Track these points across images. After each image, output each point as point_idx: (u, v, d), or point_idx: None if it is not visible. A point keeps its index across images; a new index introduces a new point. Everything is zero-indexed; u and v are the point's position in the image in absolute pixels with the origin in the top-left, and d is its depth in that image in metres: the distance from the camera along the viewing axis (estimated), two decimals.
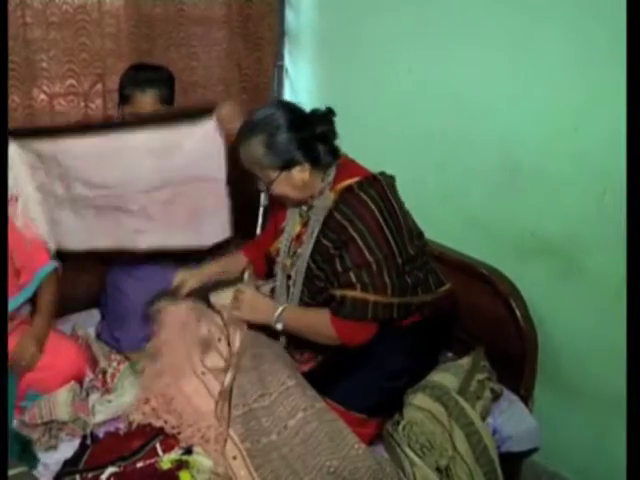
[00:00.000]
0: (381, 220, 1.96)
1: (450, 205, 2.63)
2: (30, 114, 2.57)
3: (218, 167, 2.40)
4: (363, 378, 2.04)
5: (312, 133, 2.01)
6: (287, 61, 3.34)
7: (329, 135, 2.06)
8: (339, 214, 1.98)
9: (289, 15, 3.26)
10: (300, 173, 2.01)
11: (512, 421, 2.23)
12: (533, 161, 2.31)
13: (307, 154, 2.00)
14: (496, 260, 2.42)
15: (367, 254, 1.94)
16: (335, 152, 2.09)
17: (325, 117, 2.04)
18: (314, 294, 2.11)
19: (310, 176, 2.03)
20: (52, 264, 2.34)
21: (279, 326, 2.08)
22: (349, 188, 2.00)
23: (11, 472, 1.84)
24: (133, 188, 2.35)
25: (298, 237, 2.17)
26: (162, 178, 2.36)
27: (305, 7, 3.21)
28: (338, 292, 1.99)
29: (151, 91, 2.40)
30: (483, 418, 2.12)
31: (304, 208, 2.15)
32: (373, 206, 1.96)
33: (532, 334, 2.30)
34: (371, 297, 1.96)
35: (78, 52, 2.66)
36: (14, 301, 2.26)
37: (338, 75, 3.14)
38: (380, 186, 2.01)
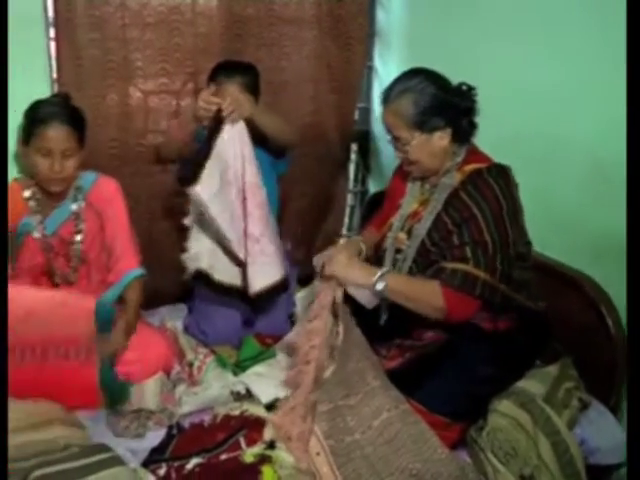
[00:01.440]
0: (504, 208, 1.99)
1: (537, 206, 2.58)
2: (126, 111, 2.65)
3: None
4: (450, 381, 2.01)
5: (458, 104, 2.06)
6: (377, 61, 3.33)
7: (472, 111, 2.10)
8: (465, 194, 2.02)
9: (380, 15, 3.25)
10: (440, 140, 2.06)
11: (601, 433, 2.16)
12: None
13: (451, 122, 2.05)
14: (583, 264, 2.36)
15: (486, 233, 1.97)
16: (473, 129, 2.13)
17: (470, 92, 2.09)
18: (423, 269, 2.11)
19: (447, 146, 2.07)
20: (140, 270, 2.39)
21: (380, 286, 2.05)
22: (479, 171, 2.05)
23: (101, 457, 1.90)
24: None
25: (415, 214, 2.19)
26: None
27: (396, 7, 3.20)
28: (450, 265, 2.00)
29: (236, 78, 2.49)
30: (570, 428, 2.06)
31: (426, 187, 2.19)
32: (499, 193, 2.00)
33: (623, 342, 2.22)
34: (482, 274, 1.97)
35: (172, 52, 2.72)
36: (104, 297, 2.33)
37: None
38: (508, 177, 2.06)
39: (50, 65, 2.54)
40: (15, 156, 2.48)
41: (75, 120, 2.26)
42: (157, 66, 2.69)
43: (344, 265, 2.11)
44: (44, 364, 2.10)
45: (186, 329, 2.59)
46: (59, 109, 2.24)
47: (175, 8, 2.68)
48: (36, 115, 2.23)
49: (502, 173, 2.05)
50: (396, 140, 2.09)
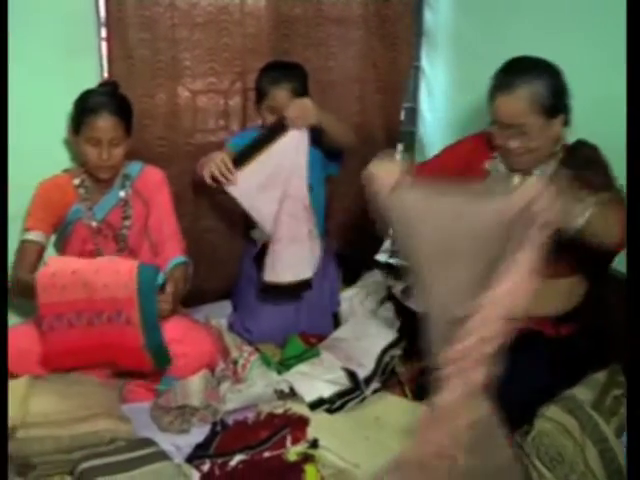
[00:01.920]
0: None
1: None
2: (174, 110, 2.67)
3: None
4: (505, 391, 1.93)
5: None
6: (424, 62, 3.30)
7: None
8: (572, 160, 2.02)
9: (427, 15, 3.23)
10: (557, 126, 2.02)
11: None
12: None
13: (567, 109, 2.03)
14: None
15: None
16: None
17: None
18: None
19: (560, 131, 2.04)
20: (184, 258, 2.43)
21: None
22: (576, 144, 2.06)
23: (146, 451, 1.93)
24: None
25: None
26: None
27: (443, 7, 3.17)
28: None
29: (285, 85, 2.48)
30: (618, 435, 2.02)
31: (515, 179, 2.12)
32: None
33: None
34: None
35: (220, 51, 2.73)
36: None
37: (476, 77, 3.06)
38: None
39: (101, 64, 2.57)
40: (67, 144, 2.53)
41: (122, 110, 2.33)
42: (205, 66, 2.71)
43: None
44: (90, 329, 2.13)
45: (230, 327, 2.62)
46: (107, 99, 2.30)
47: (224, 8, 2.69)
48: (85, 105, 2.31)
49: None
50: (513, 128, 2.01)
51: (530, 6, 2.66)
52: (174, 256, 2.42)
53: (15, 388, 2.13)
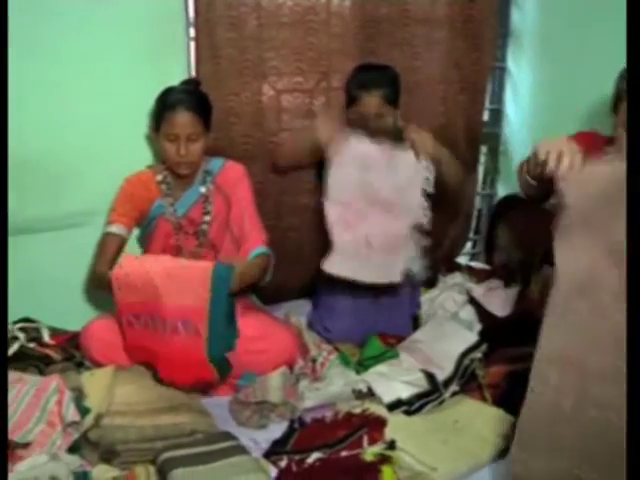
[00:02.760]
0: None
1: None
2: (259, 109, 2.70)
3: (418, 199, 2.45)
4: None
5: None
6: (510, 63, 3.25)
7: None
8: None
9: (514, 15, 3.17)
10: None
11: None
12: None
13: None
14: None
15: None
16: None
17: None
18: None
19: None
20: (265, 248, 2.44)
21: None
22: None
23: (226, 444, 1.95)
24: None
25: None
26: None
27: (530, 7, 3.11)
28: None
29: (376, 92, 2.47)
30: None
31: None
32: None
33: None
34: None
35: (305, 51, 2.74)
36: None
37: (562, 78, 3.00)
38: None
39: (189, 63, 2.63)
40: (149, 142, 2.60)
41: (200, 106, 2.37)
42: (291, 65, 2.72)
43: None
44: (161, 335, 2.15)
45: (310, 325, 2.63)
46: (185, 96, 2.35)
47: (310, 8, 2.70)
48: (164, 102, 2.36)
49: None
50: None
51: (617, 6, 2.58)
52: (255, 246, 2.43)
53: (101, 377, 2.20)
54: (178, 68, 2.57)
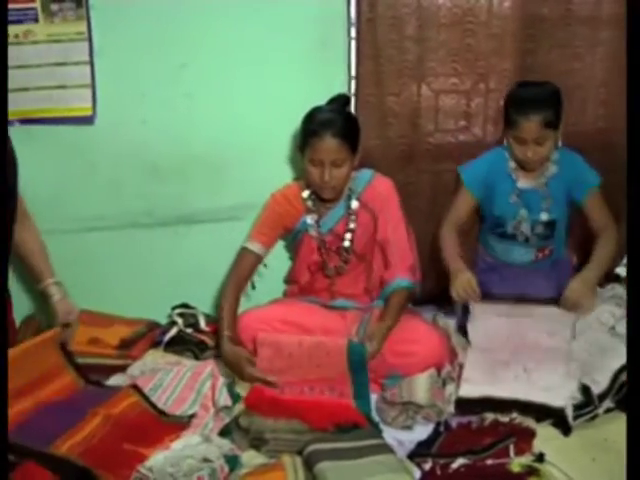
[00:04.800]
0: None
1: None
2: (416, 109, 2.70)
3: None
4: None
5: None
6: None
7: None
8: None
9: None
10: None
11: None
12: None
13: None
14: None
15: None
16: None
17: None
18: None
19: None
20: (408, 282, 2.41)
21: None
22: None
23: (372, 442, 1.98)
24: None
25: None
26: None
27: None
28: None
29: (535, 117, 2.36)
30: None
31: None
32: None
33: None
34: None
35: (463, 52, 2.71)
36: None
37: None
38: None
39: (349, 63, 2.65)
40: (291, 160, 2.67)
41: (347, 130, 2.34)
42: (448, 66, 2.71)
43: None
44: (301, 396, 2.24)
45: (459, 329, 2.59)
46: (332, 119, 2.32)
47: (470, 10, 2.67)
48: (309, 126, 2.35)
49: None
50: None
51: None
52: (400, 276, 2.41)
53: None
54: (338, 68, 2.63)
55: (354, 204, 2.46)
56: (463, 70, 2.73)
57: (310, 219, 2.49)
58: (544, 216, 2.56)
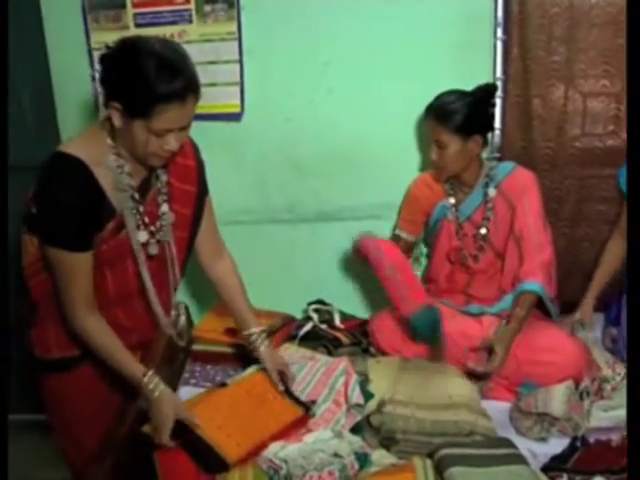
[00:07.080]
0: None
1: None
2: (563, 112, 2.61)
3: None
4: None
5: None
6: None
7: None
8: None
9: None
10: None
11: None
12: None
13: None
14: None
15: None
16: None
17: None
18: None
19: None
20: (539, 287, 2.33)
21: None
22: None
23: (505, 451, 1.94)
24: None
25: None
26: None
27: None
28: None
29: None
30: None
31: None
32: None
33: None
34: None
35: (614, 53, 2.60)
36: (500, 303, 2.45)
37: None
38: None
39: (494, 63, 2.61)
40: None
41: (453, 113, 2.37)
42: (599, 68, 2.60)
43: None
44: None
45: (602, 342, 2.49)
46: (443, 98, 2.40)
47: (624, 8, 2.55)
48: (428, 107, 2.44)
49: None
50: None
51: None
52: (531, 278, 2.34)
53: (386, 365, 2.34)
54: (483, 68, 2.59)
55: (492, 192, 2.46)
56: (614, 72, 2.61)
57: (448, 204, 2.53)
58: None
